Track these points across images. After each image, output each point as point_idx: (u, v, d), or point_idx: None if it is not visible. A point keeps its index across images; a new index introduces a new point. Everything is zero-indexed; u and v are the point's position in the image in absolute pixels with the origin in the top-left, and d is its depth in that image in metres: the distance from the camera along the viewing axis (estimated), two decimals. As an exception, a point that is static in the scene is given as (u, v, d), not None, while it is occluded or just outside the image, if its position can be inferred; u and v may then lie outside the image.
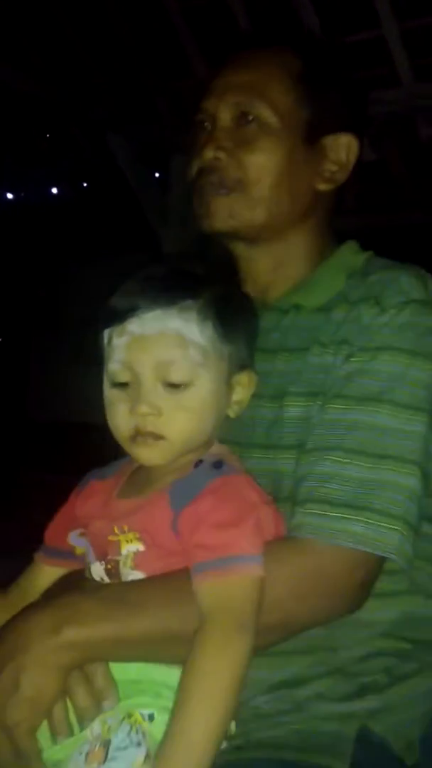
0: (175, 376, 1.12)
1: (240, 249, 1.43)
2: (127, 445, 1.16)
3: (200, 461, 1.15)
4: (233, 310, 1.19)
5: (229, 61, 1.43)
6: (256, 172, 1.34)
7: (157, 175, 6.33)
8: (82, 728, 1.06)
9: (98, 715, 1.06)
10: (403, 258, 1.38)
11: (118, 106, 5.61)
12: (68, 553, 1.27)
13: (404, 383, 1.21)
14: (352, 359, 1.24)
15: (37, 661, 1.04)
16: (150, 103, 5.53)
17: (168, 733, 1.00)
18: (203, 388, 1.14)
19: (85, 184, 8.01)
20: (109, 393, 1.16)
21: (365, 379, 1.22)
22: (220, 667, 1.01)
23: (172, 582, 1.09)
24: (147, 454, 1.15)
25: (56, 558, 1.30)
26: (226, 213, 1.35)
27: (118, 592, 1.11)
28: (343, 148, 1.40)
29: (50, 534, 1.32)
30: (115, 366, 1.14)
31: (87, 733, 1.07)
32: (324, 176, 1.40)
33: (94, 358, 1.19)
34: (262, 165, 1.34)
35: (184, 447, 1.15)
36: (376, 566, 1.18)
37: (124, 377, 1.14)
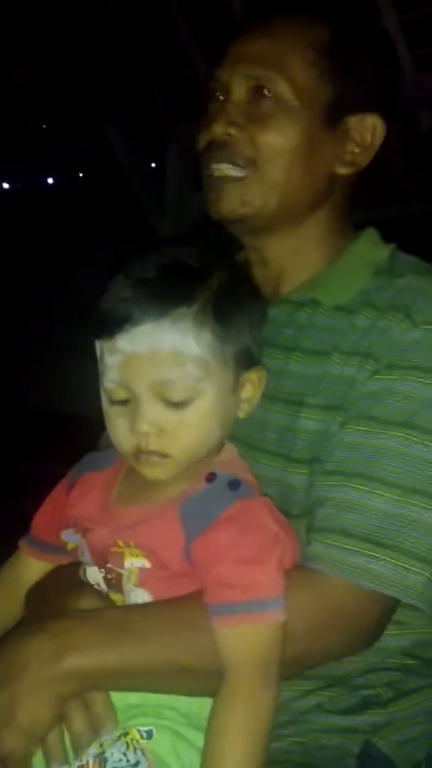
0: (174, 396, 1.03)
1: (250, 239, 1.32)
2: (130, 461, 1.09)
3: (212, 474, 1.08)
4: (235, 305, 1.08)
5: (249, 25, 1.29)
6: (270, 153, 1.22)
7: (153, 165, 6.31)
8: (77, 756, 1.02)
9: (94, 741, 1.02)
10: (405, 248, 1.31)
11: (115, 97, 5.58)
12: (57, 548, 1.20)
13: None
14: (377, 377, 1.15)
15: (34, 689, 0.99)
16: (147, 94, 5.51)
17: None
18: (206, 401, 1.05)
19: (81, 174, 7.98)
20: (108, 409, 1.08)
21: (393, 401, 1.13)
22: (248, 721, 0.96)
23: (181, 610, 1.03)
24: (151, 472, 1.07)
25: (43, 552, 1.23)
26: (237, 201, 1.24)
27: (122, 618, 1.04)
28: (368, 130, 1.26)
29: (38, 524, 1.24)
30: (110, 384, 1.06)
31: (83, 757, 1.02)
32: (344, 159, 1.27)
33: (88, 350, 1.13)
34: (277, 145, 1.22)
35: (190, 461, 1.07)
36: (395, 604, 1.12)
37: (121, 395, 1.05)
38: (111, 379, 1.05)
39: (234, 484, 1.07)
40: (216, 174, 1.25)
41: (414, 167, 5.36)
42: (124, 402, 1.06)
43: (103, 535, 1.10)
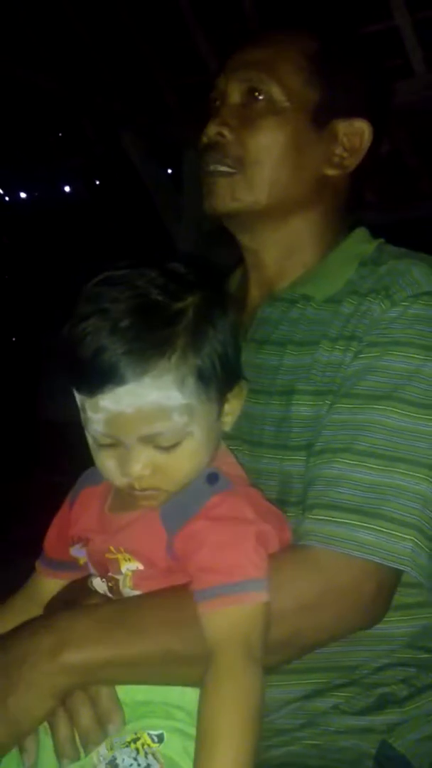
0: (164, 443, 1.04)
1: (246, 239, 1.38)
2: (124, 492, 1.10)
3: None
4: (211, 332, 1.07)
5: (245, 40, 1.38)
6: (256, 152, 1.30)
7: (169, 171, 6.32)
8: (87, 752, 1.03)
9: (103, 738, 1.02)
10: (419, 250, 1.32)
11: (130, 103, 5.60)
12: (69, 564, 1.21)
13: (417, 380, 1.15)
14: (361, 355, 1.18)
15: (30, 683, 1.00)
16: (161, 99, 5.52)
17: None
18: (195, 440, 1.06)
19: (97, 182, 8.01)
20: (94, 448, 1.09)
21: (376, 376, 1.16)
22: (236, 703, 0.96)
23: (171, 600, 1.05)
24: (145, 503, 1.09)
25: (57, 570, 1.25)
26: (227, 195, 1.31)
27: (115, 612, 1.06)
28: (355, 134, 1.33)
29: (49, 544, 1.27)
30: (94, 434, 1.06)
31: (93, 756, 1.03)
32: (332, 161, 1.33)
33: (65, 376, 1.11)
34: (264, 144, 1.29)
35: (183, 487, 1.08)
36: (390, 578, 1.12)
37: (107, 441, 1.06)
38: (95, 430, 1.05)
39: (212, 478, 1.08)
40: (209, 171, 1.32)
41: (428, 167, 5.35)
42: (110, 445, 1.06)
43: (98, 543, 1.12)
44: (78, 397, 1.07)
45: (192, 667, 1.00)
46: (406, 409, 1.13)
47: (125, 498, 1.12)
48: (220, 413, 1.10)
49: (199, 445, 1.07)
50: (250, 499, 1.08)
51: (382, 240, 1.36)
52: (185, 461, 1.06)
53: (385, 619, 1.15)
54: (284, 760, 1.15)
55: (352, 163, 1.34)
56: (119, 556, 1.08)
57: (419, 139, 5.13)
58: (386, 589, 1.13)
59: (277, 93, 1.30)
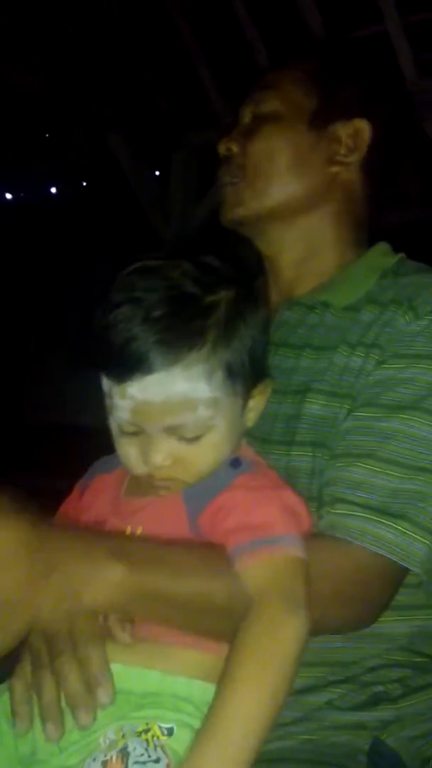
0: (188, 434, 1.05)
1: (263, 246, 1.43)
2: (143, 480, 1.11)
3: None
4: (242, 327, 1.09)
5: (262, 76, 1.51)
6: (257, 158, 1.38)
7: (157, 173, 6.32)
8: (76, 719, 0.99)
9: (92, 704, 1.00)
10: (409, 256, 1.38)
11: (118, 105, 5.58)
12: None
13: None
14: (384, 366, 1.21)
15: (85, 577, 0.97)
16: (150, 102, 5.51)
17: (209, 718, 0.93)
18: (218, 432, 1.07)
19: (84, 184, 8.00)
20: (117, 435, 1.10)
21: (401, 387, 1.19)
22: (272, 646, 0.95)
23: (218, 553, 1.03)
24: (165, 493, 1.09)
25: None
26: (234, 202, 1.39)
27: (163, 550, 1.04)
28: (355, 133, 1.40)
29: None
30: (118, 421, 1.07)
31: (100, 739, 1.00)
32: (335, 160, 1.40)
33: (93, 362, 1.11)
34: (263, 150, 1.38)
35: (203, 479, 1.09)
36: (401, 578, 1.15)
37: (132, 429, 1.07)
38: (120, 417, 1.06)
39: (236, 463, 1.09)
40: (221, 185, 1.42)
41: (420, 172, 5.36)
42: (133, 433, 1.07)
43: (113, 524, 1.11)
44: (105, 382, 1.08)
45: (229, 621, 0.99)
46: (430, 419, 1.16)
47: (143, 483, 1.12)
48: (244, 408, 1.12)
49: (221, 439, 1.08)
50: (276, 479, 1.11)
51: (403, 254, 1.40)
52: (207, 454, 1.07)
53: (382, 618, 1.16)
54: (278, 755, 1.14)
55: (353, 159, 1.40)
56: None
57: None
58: (396, 586, 1.15)
59: (276, 104, 1.40)
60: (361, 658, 1.21)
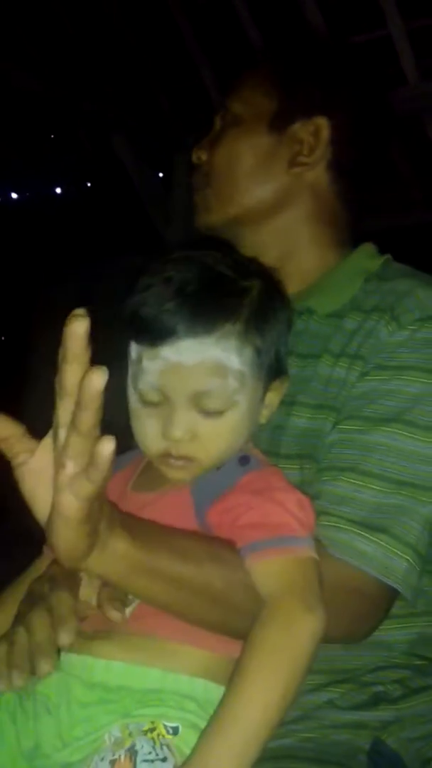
0: (212, 405, 1.06)
1: (240, 250, 1.35)
2: (155, 461, 1.11)
3: None
4: (272, 317, 1.13)
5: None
6: (219, 165, 1.39)
7: (160, 174, 6.32)
8: (37, 668, 1.00)
9: (53, 650, 1.01)
10: (412, 259, 1.35)
11: (122, 106, 5.59)
12: None
13: (424, 403, 1.17)
14: (368, 377, 1.20)
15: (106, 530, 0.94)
16: (153, 103, 5.52)
17: (220, 709, 0.93)
18: (239, 411, 1.08)
19: (88, 184, 8.00)
20: (137, 409, 1.10)
21: (384, 399, 1.18)
22: (284, 643, 0.94)
23: (219, 544, 1.03)
24: (176, 474, 1.10)
25: None
26: (203, 208, 1.42)
27: (168, 532, 1.03)
28: (315, 132, 1.39)
29: None
30: (145, 387, 1.07)
31: (105, 736, 1.00)
32: (295, 161, 1.38)
33: (97, 359, 1.11)
34: (224, 157, 1.39)
35: (215, 466, 1.10)
36: (389, 592, 1.13)
37: (155, 398, 1.07)
38: (147, 382, 1.07)
39: (244, 460, 1.10)
40: (195, 192, 1.44)
41: (421, 176, 5.36)
42: (155, 404, 1.08)
43: None
44: (135, 348, 1.09)
45: (226, 613, 1.00)
46: (413, 432, 1.15)
47: (151, 476, 1.13)
48: (262, 400, 1.13)
49: (240, 420, 1.09)
50: (283, 477, 1.11)
51: (388, 256, 1.39)
52: (224, 433, 1.08)
53: (383, 627, 1.16)
54: (278, 753, 1.14)
55: (316, 158, 1.39)
56: None
57: (412, 148, 5.14)
58: (385, 602, 1.14)
59: (237, 108, 1.41)
60: (362, 665, 1.21)
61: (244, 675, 0.94)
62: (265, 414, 1.16)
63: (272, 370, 1.13)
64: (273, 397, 1.16)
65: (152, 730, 1.00)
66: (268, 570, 1.00)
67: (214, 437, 1.08)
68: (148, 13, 4.94)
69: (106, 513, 0.94)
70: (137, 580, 1.00)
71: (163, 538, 1.01)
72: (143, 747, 0.98)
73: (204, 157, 1.42)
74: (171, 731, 1.00)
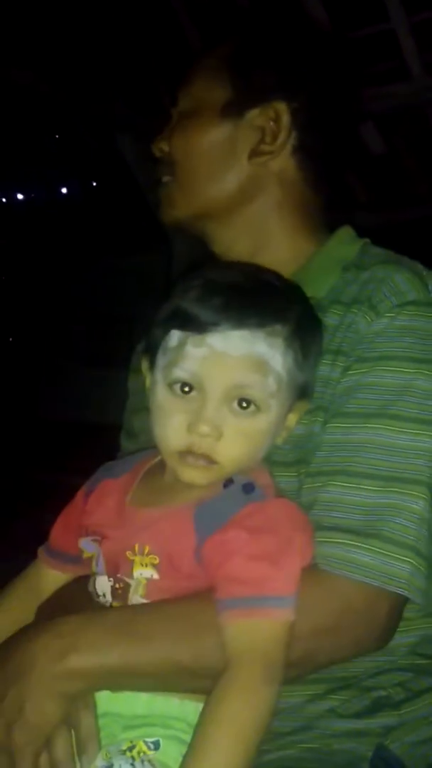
0: (249, 396, 1.05)
1: (211, 244, 1.38)
2: (172, 460, 1.08)
3: (230, 480, 1.08)
4: (312, 337, 1.12)
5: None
6: (178, 156, 1.34)
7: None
8: None
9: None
10: (417, 253, 1.29)
11: (126, 106, 5.60)
12: (73, 558, 1.20)
13: (409, 395, 1.12)
14: (350, 372, 1.16)
15: (41, 687, 0.99)
16: (157, 102, 5.52)
17: None
18: (268, 417, 1.07)
19: (94, 184, 8.02)
20: (165, 399, 1.07)
21: (366, 393, 1.14)
22: (243, 714, 0.94)
23: (184, 610, 1.03)
24: (193, 476, 1.07)
25: (60, 561, 1.24)
26: (167, 203, 1.36)
27: (127, 618, 1.04)
28: (273, 117, 1.31)
29: (55, 534, 1.24)
30: (181, 373, 1.05)
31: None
32: (256, 150, 1.31)
33: (105, 359, 1.11)
34: (181, 148, 1.33)
35: (230, 473, 1.07)
36: (396, 599, 1.09)
37: (188, 387, 1.05)
38: (186, 368, 1.05)
39: (248, 488, 1.07)
40: (158, 184, 1.38)
41: (426, 169, 5.36)
42: (184, 397, 1.06)
43: (117, 537, 1.10)
44: (176, 336, 1.07)
45: (201, 679, 0.99)
46: (400, 425, 1.11)
47: (152, 488, 1.12)
48: (288, 413, 1.12)
49: (267, 427, 1.07)
50: (286, 510, 1.07)
51: (367, 240, 1.34)
52: (251, 437, 1.07)
53: None
54: (280, 764, 1.13)
55: (278, 144, 1.31)
56: (137, 558, 1.06)
57: (416, 141, 5.14)
58: (398, 609, 1.11)
59: (189, 99, 1.35)
60: (363, 671, 1.19)
61: (203, 744, 0.94)
62: (283, 435, 1.13)
63: (301, 389, 1.11)
64: (292, 419, 1.13)
65: (131, 748, 1.00)
66: (239, 630, 0.99)
67: (240, 439, 1.05)
68: (152, 14, 4.94)
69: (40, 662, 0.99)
70: (108, 683, 1.03)
71: (124, 628, 1.02)
72: (121, 766, 0.98)
73: (166, 148, 1.35)
74: (152, 746, 1.00)
